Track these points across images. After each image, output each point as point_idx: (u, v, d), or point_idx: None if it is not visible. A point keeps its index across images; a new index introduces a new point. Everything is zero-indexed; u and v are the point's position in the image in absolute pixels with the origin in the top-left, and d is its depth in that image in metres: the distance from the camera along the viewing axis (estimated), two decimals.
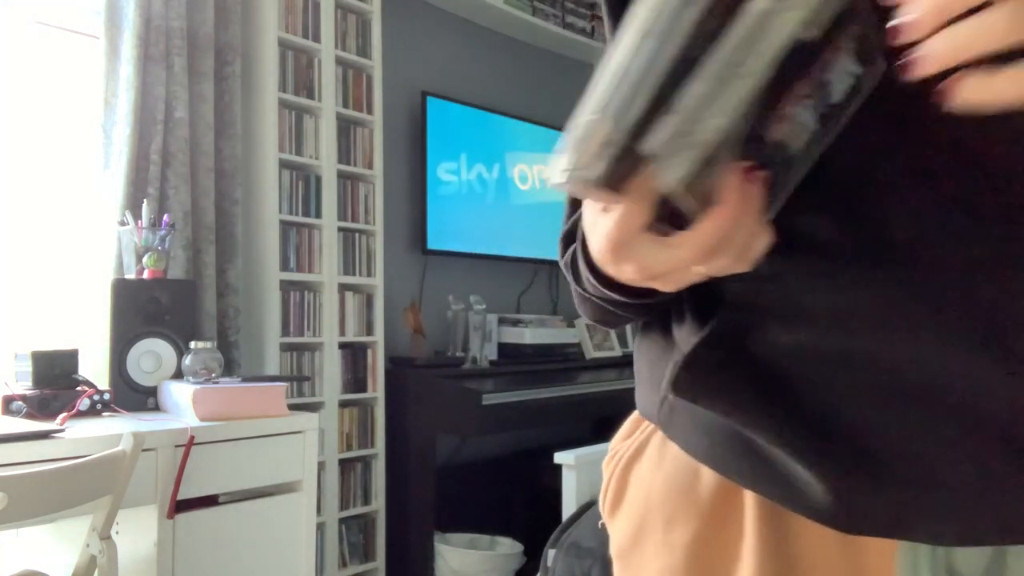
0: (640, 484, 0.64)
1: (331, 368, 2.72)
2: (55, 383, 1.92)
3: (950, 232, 0.46)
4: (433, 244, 3.22)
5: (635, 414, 0.68)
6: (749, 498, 0.56)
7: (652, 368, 0.63)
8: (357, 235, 2.85)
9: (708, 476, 0.59)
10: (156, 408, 2.05)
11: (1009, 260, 0.45)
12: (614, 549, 0.66)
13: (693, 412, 0.58)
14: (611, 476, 0.68)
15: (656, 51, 0.39)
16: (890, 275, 0.47)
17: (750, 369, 0.54)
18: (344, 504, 2.76)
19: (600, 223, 0.45)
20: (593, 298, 0.60)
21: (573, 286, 0.62)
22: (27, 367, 1.93)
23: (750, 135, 0.41)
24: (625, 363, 3.80)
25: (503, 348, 3.32)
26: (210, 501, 1.86)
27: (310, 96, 2.72)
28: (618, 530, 0.65)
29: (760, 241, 0.44)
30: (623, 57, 0.40)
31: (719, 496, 0.58)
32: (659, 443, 0.63)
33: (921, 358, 0.47)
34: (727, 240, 0.42)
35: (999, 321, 0.45)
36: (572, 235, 0.63)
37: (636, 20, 0.40)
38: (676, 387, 0.56)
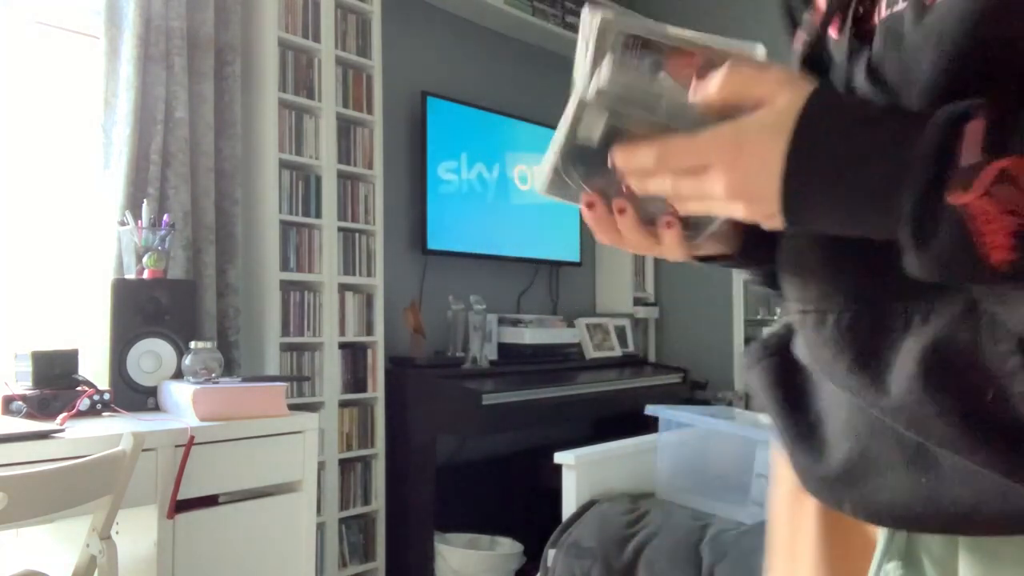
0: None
1: (331, 368, 2.72)
2: (55, 383, 1.92)
3: (832, 289, 0.60)
4: (433, 244, 3.22)
5: None
6: None
7: None
8: (357, 235, 2.85)
9: None
10: (156, 408, 2.05)
11: (875, 308, 0.57)
12: None
13: None
14: None
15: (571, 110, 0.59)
16: (814, 321, 0.62)
17: (777, 367, 0.71)
18: (344, 504, 2.76)
19: None
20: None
21: None
22: (27, 367, 1.93)
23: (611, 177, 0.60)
24: (625, 363, 3.80)
25: (503, 348, 3.32)
26: (210, 501, 1.86)
27: (310, 96, 2.72)
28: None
29: (664, 247, 0.64)
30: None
31: None
32: None
33: (835, 376, 0.61)
34: (615, 238, 0.65)
35: (870, 347, 0.57)
36: None
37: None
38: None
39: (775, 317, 4.04)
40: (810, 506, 0.71)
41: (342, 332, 2.78)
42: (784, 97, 0.52)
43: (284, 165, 2.64)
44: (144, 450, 1.64)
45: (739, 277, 3.93)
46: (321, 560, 2.65)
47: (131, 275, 2.13)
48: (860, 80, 0.58)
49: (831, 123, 0.51)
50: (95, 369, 2.12)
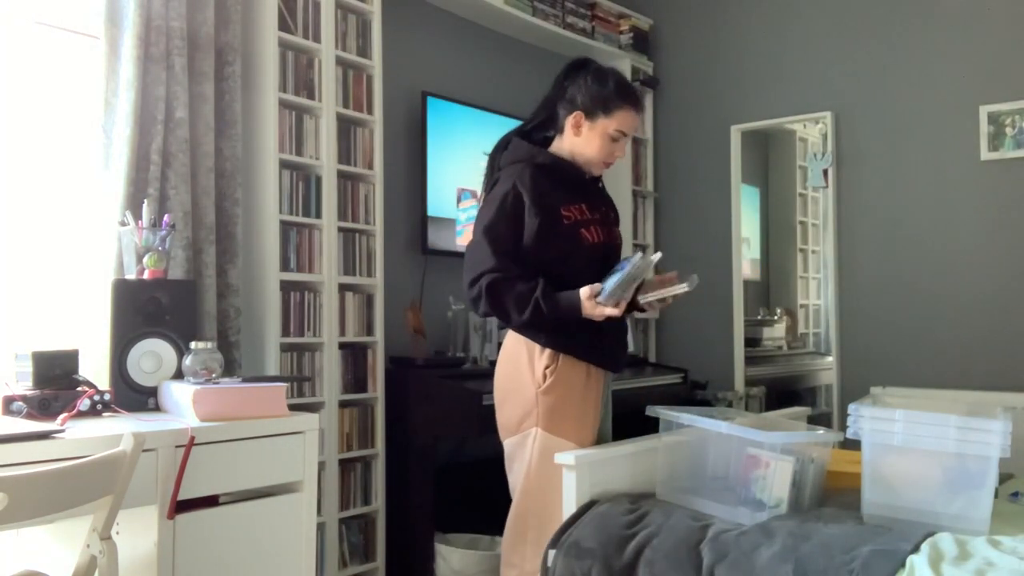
0: None
1: (331, 368, 2.72)
2: (55, 383, 1.92)
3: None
4: (433, 244, 3.22)
5: None
6: None
7: None
8: (357, 235, 2.85)
9: None
10: (156, 408, 2.05)
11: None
12: None
13: None
14: None
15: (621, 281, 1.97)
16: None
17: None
18: (344, 504, 2.76)
19: (604, 311, 2.02)
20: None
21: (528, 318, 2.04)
22: (28, 367, 1.93)
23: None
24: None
25: None
26: (210, 501, 1.86)
27: (310, 96, 2.72)
28: None
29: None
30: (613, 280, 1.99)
31: None
32: None
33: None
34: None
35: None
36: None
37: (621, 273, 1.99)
38: None
39: (775, 317, 4.04)
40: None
41: (342, 332, 2.78)
42: None
43: (284, 165, 2.64)
44: (144, 450, 1.64)
45: (739, 277, 3.94)
46: (321, 560, 2.65)
47: (131, 275, 2.13)
48: None
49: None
50: (95, 369, 2.12)
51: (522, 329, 2.10)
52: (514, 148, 2.19)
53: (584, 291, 2.00)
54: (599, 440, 2.19)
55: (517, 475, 2.13)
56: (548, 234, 2.06)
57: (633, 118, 2.16)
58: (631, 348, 3.94)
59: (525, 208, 2.06)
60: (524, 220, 2.06)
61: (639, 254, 2.05)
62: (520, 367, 2.11)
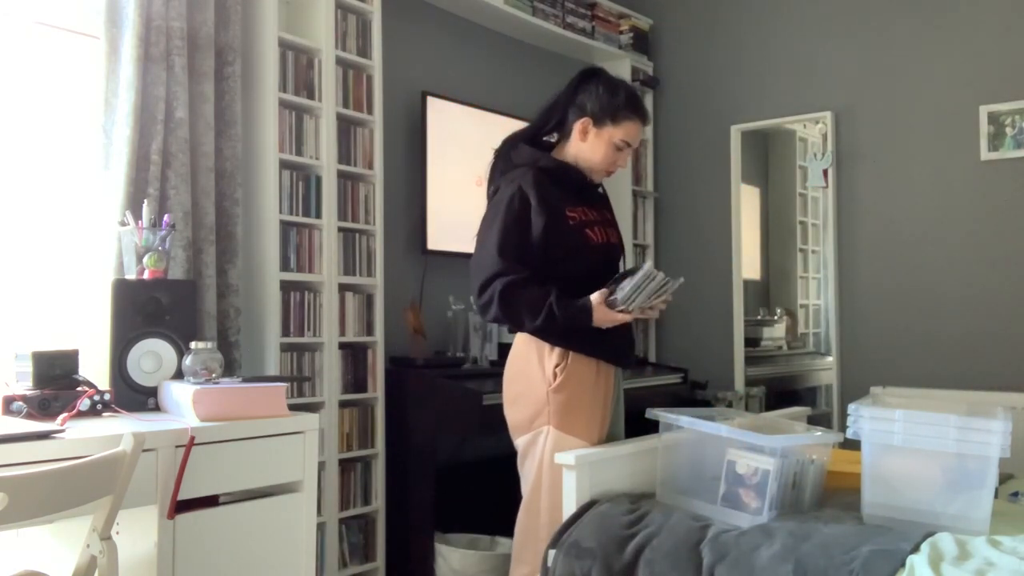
0: None
1: (331, 368, 2.72)
2: (55, 383, 1.92)
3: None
4: (433, 244, 3.22)
5: None
6: None
7: None
8: (357, 235, 2.85)
9: None
10: (156, 408, 2.05)
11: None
12: None
13: None
14: None
15: (636, 286, 2.03)
16: None
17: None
18: (344, 504, 2.76)
19: (616, 317, 2.08)
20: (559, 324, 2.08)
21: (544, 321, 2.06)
22: (27, 367, 1.93)
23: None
24: None
25: (504, 348, 3.31)
26: (210, 501, 1.86)
27: (310, 96, 2.72)
28: None
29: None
30: (629, 285, 2.05)
31: None
32: None
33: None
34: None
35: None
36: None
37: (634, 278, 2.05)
38: None
39: (775, 317, 4.04)
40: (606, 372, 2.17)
41: (342, 332, 2.78)
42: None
43: (284, 165, 2.64)
44: (144, 450, 1.64)
45: (739, 277, 3.94)
46: (321, 560, 2.65)
47: (131, 275, 2.13)
48: None
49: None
50: (95, 369, 2.12)
51: (533, 332, 2.12)
52: (518, 153, 2.23)
53: (595, 297, 2.04)
54: (612, 438, 2.22)
55: (529, 472, 2.15)
56: (554, 233, 2.09)
57: (638, 130, 2.22)
58: None
59: (531, 209, 2.09)
60: (531, 221, 2.09)
61: (649, 262, 2.14)
62: (530, 367, 2.14)
